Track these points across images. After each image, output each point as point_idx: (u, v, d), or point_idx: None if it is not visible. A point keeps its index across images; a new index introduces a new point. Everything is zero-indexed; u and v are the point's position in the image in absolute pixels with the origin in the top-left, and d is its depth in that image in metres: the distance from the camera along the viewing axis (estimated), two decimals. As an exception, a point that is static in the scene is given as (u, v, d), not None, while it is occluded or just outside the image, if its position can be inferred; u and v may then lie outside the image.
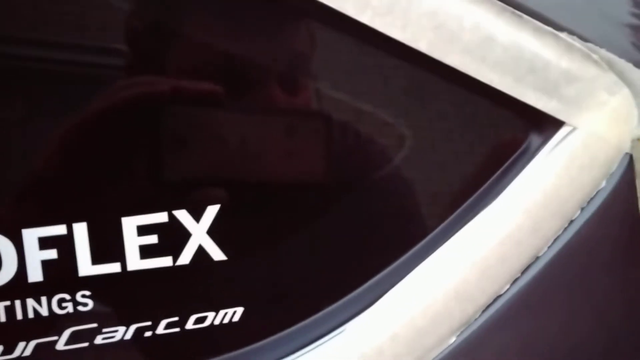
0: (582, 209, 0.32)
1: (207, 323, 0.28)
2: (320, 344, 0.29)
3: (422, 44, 0.29)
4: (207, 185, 0.28)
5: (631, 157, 0.33)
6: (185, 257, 0.27)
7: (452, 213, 0.31)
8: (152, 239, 0.27)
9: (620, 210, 0.32)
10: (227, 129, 0.28)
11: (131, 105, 0.26)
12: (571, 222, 0.32)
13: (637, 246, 0.33)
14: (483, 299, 0.30)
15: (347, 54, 0.30)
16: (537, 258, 0.31)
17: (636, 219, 0.33)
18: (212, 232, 0.28)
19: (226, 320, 0.28)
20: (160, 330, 0.28)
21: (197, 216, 0.27)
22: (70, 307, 0.26)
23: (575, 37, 0.32)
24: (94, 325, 0.27)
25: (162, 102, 0.27)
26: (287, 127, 0.29)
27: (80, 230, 0.26)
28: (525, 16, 0.31)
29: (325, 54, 0.30)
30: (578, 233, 0.32)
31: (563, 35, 0.31)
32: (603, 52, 0.32)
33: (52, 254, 0.26)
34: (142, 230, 0.27)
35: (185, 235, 0.27)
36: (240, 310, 0.28)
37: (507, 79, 0.31)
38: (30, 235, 0.26)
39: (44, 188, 0.27)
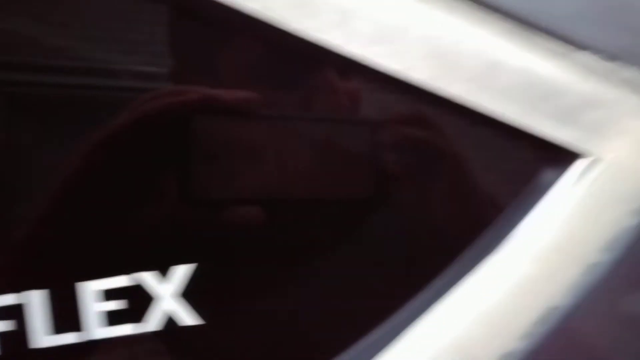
0: (606, 251, 0.28)
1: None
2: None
3: (419, 73, 0.26)
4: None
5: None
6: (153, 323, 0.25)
7: (452, 261, 0.28)
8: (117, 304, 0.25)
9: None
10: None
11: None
12: (592, 266, 0.28)
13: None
14: (491, 358, 0.27)
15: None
16: (553, 309, 0.28)
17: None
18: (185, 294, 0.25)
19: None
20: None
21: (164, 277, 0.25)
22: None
23: (596, 57, 0.28)
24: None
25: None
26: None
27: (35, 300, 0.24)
28: (537, 35, 0.27)
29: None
30: (602, 279, 0.28)
31: (582, 55, 0.27)
32: (629, 72, 0.28)
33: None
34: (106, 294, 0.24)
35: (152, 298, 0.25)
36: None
37: (516, 108, 0.27)
38: None
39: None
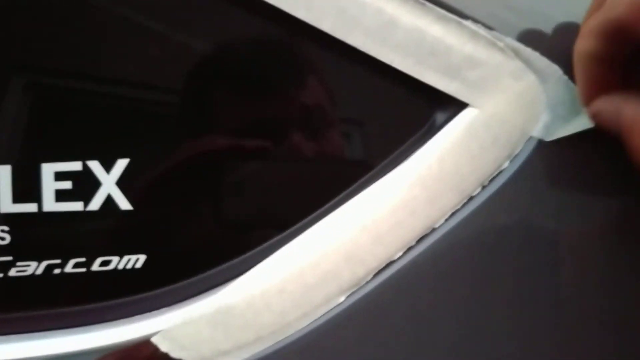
0: (484, 186, 0.34)
1: (111, 266, 0.32)
2: (210, 294, 0.32)
3: (326, 25, 0.33)
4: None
5: (539, 140, 0.35)
6: (95, 204, 0.31)
7: (355, 181, 0.34)
8: (67, 184, 0.31)
9: (522, 192, 0.34)
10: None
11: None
12: (471, 198, 0.34)
13: (536, 228, 0.34)
14: (374, 263, 0.32)
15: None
16: (434, 229, 0.33)
17: (539, 201, 0.34)
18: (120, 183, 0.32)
19: (129, 266, 0.32)
20: (69, 269, 0.31)
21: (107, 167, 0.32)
22: (-11, 240, 0.31)
23: (480, 25, 0.34)
24: (9, 258, 0.31)
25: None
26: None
27: (4, 172, 0.31)
28: (428, 4, 0.34)
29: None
30: (478, 210, 0.34)
31: (467, 22, 0.34)
32: (509, 40, 0.35)
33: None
34: (58, 175, 0.31)
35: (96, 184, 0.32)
36: (143, 257, 0.32)
37: (409, 61, 0.34)
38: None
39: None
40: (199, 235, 0.33)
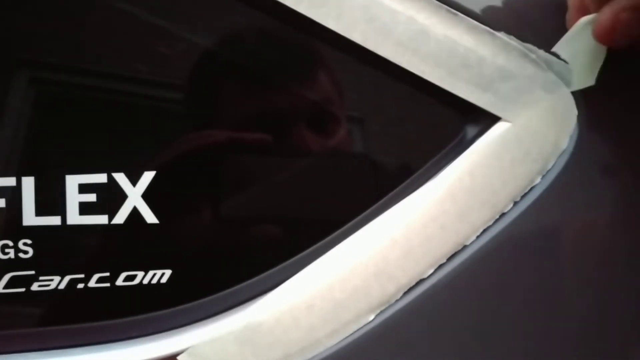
0: (515, 202, 0.33)
1: (136, 281, 0.31)
2: (237, 311, 0.31)
3: (356, 35, 0.32)
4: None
5: (572, 155, 0.34)
6: (120, 217, 0.31)
7: (385, 194, 0.33)
8: (91, 197, 0.31)
9: (555, 208, 0.34)
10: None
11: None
12: (503, 214, 0.33)
13: (569, 246, 0.34)
14: (404, 279, 0.32)
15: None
16: (465, 246, 0.33)
17: (571, 218, 0.34)
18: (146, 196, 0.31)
19: (154, 281, 0.31)
20: (92, 283, 0.31)
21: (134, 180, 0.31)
22: (12, 254, 0.30)
23: (512, 37, 0.34)
24: (32, 272, 0.30)
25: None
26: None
27: (27, 184, 0.30)
28: (460, 14, 0.34)
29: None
30: (510, 226, 0.33)
31: (500, 34, 0.34)
32: (541, 52, 0.34)
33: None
34: (82, 188, 0.31)
35: (122, 197, 0.31)
36: (168, 272, 0.31)
37: (440, 72, 0.33)
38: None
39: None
40: (226, 249, 0.32)
